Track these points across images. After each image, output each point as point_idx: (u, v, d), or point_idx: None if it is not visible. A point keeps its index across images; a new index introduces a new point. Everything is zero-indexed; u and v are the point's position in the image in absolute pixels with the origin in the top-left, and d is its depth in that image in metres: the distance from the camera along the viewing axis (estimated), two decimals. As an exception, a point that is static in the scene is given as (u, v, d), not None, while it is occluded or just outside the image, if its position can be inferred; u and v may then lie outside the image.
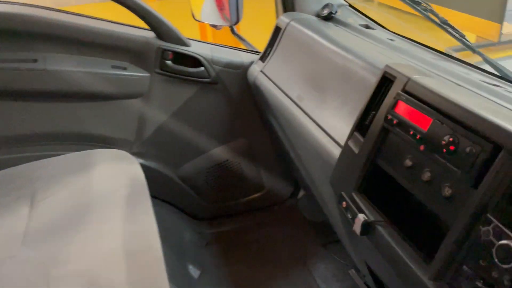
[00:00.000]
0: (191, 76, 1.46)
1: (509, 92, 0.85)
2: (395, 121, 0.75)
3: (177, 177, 1.62)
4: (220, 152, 1.62)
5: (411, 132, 0.70)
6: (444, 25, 1.14)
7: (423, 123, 0.69)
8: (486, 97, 0.78)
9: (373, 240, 0.76)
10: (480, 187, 0.58)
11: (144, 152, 1.54)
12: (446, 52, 1.15)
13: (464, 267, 0.58)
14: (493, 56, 1.14)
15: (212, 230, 1.68)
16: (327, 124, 1.03)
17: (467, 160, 0.60)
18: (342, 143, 0.94)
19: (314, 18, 1.39)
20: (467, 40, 1.11)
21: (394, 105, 0.76)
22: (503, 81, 0.95)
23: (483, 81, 0.90)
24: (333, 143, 0.97)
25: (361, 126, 0.86)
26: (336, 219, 1.00)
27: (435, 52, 1.15)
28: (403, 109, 0.74)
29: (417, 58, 1.05)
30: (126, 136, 1.51)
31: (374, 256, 0.82)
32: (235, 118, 1.57)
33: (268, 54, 1.39)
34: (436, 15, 1.17)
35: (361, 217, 0.76)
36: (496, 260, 0.52)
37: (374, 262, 0.84)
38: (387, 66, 0.84)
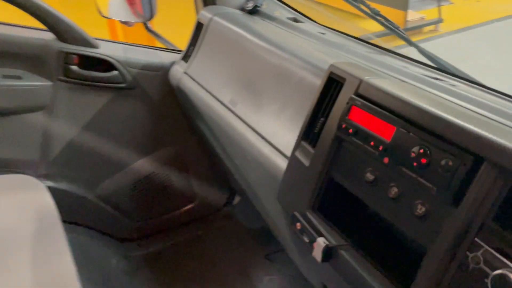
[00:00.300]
0: (103, 82, 1.28)
1: (452, 85, 0.81)
2: (350, 130, 0.66)
3: (95, 197, 1.43)
4: (144, 164, 1.45)
5: (372, 143, 0.62)
6: (377, 16, 1.10)
7: (385, 132, 0.61)
8: (439, 96, 0.72)
9: (336, 267, 0.67)
10: (462, 206, 0.50)
11: (53, 174, 1.33)
12: (378, 44, 1.11)
13: (451, 299, 0.50)
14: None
15: (142, 252, 1.51)
16: (266, 131, 0.93)
17: (443, 175, 0.52)
18: (286, 152, 0.84)
19: (239, 12, 1.28)
20: (402, 31, 1.07)
21: (348, 111, 0.67)
22: (440, 72, 0.92)
23: (425, 75, 0.85)
24: (277, 153, 0.87)
25: (309, 134, 0.77)
26: (288, 241, 0.90)
27: (368, 45, 1.10)
28: (359, 116, 0.65)
29: (352, 52, 0.99)
30: (29, 156, 1.29)
31: (335, 281, 0.73)
32: (158, 126, 1.42)
33: (191, 54, 1.25)
34: (368, 6, 1.12)
35: (321, 241, 0.66)
36: None
37: (336, 287, 0.75)
38: (332, 66, 0.75)
